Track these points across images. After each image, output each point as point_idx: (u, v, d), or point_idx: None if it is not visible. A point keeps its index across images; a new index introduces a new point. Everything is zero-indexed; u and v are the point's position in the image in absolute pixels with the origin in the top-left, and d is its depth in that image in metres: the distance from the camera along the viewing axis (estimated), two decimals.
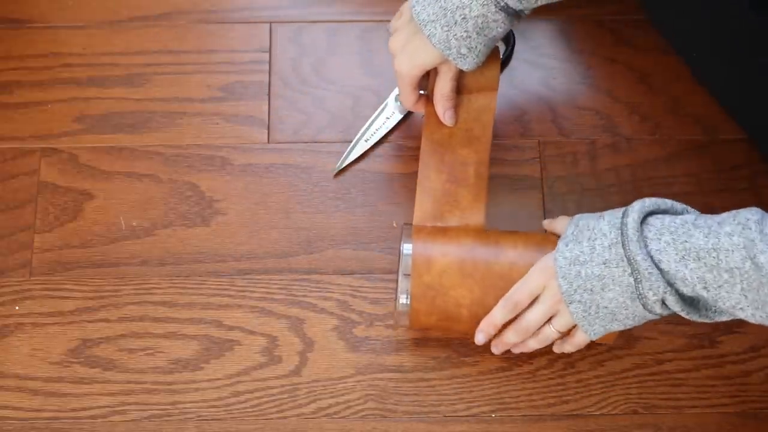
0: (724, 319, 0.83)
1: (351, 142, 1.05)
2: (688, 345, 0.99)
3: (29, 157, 1.05)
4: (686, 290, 0.82)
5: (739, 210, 0.79)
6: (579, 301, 0.86)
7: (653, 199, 0.85)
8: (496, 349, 0.95)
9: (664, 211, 0.85)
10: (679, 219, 0.82)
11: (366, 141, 1.05)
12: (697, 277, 0.80)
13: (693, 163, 1.05)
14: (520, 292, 0.90)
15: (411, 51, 0.94)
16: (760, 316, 0.80)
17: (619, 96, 1.08)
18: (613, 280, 0.84)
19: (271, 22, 1.11)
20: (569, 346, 0.92)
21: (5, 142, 1.05)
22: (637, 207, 0.84)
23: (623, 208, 0.85)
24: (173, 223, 1.03)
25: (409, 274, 0.91)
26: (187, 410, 0.96)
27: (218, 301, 1.00)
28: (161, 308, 1.00)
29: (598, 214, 0.87)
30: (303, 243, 1.02)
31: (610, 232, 0.84)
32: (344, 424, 0.96)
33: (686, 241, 0.80)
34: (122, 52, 1.09)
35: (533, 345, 0.93)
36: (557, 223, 0.93)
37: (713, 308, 0.83)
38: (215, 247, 1.02)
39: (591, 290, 0.85)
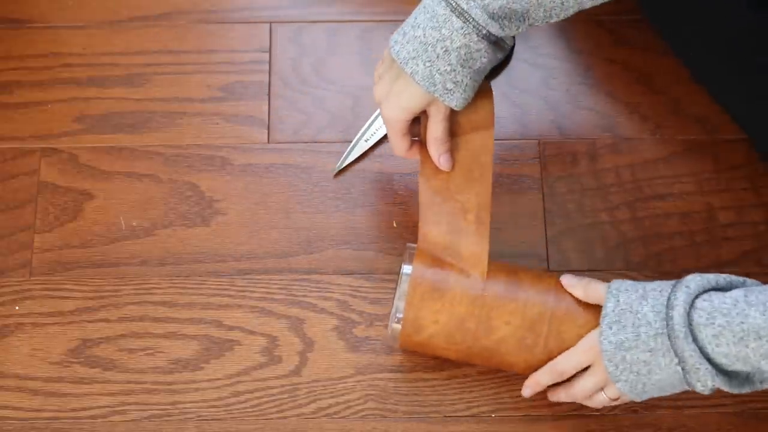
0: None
1: (351, 142, 1.05)
2: None
3: (29, 157, 1.05)
4: (746, 368, 0.81)
5: None
6: (625, 381, 0.86)
7: (697, 281, 0.83)
8: (529, 390, 0.94)
9: (710, 289, 0.83)
10: (729, 299, 0.81)
11: (366, 141, 1.05)
12: (761, 355, 0.79)
13: (693, 163, 1.05)
14: (567, 364, 0.90)
15: (396, 94, 0.91)
16: None
17: (619, 96, 1.08)
18: (660, 368, 0.84)
19: (271, 22, 1.11)
20: (618, 402, 0.92)
21: (5, 142, 1.05)
22: (682, 298, 0.82)
23: (668, 290, 0.84)
24: (173, 223, 1.03)
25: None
26: (187, 410, 0.96)
27: (218, 301, 1.00)
28: (161, 308, 1.00)
29: (641, 291, 0.85)
30: (303, 243, 1.02)
31: (655, 321, 0.83)
32: (344, 424, 0.96)
33: (743, 322, 0.79)
34: (122, 52, 1.09)
35: (589, 405, 0.93)
36: (593, 288, 0.90)
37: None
38: (215, 247, 1.02)
39: (637, 373, 0.85)
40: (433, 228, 0.93)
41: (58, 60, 1.09)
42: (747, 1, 0.95)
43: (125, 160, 1.05)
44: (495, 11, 0.86)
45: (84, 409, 0.96)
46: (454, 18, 0.86)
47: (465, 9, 0.86)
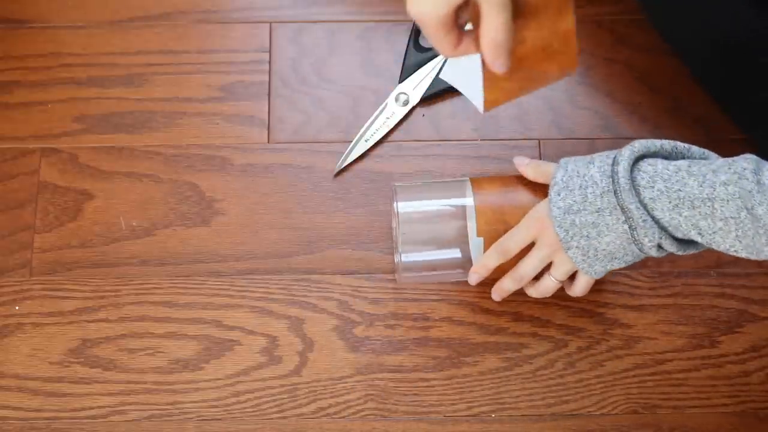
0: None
1: (351, 142, 1.05)
2: (688, 345, 0.99)
3: (29, 157, 1.05)
4: (679, 235, 0.83)
5: (734, 158, 0.80)
6: (577, 247, 0.87)
7: (642, 142, 0.84)
8: (496, 295, 0.95)
9: (654, 154, 0.85)
10: (672, 165, 0.82)
11: (366, 141, 1.05)
12: (692, 225, 0.81)
13: None
14: (511, 240, 0.90)
15: None
16: (755, 258, 0.81)
17: (619, 96, 1.08)
18: (607, 227, 0.84)
19: (271, 22, 1.11)
20: (575, 291, 0.93)
21: (5, 142, 1.05)
22: (627, 154, 0.83)
23: (614, 153, 0.85)
24: (173, 223, 1.03)
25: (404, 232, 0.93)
26: (187, 410, 0.96)
27: (218, 301, 1.00)
28: (161, 308, 1.00)
29: (588, 158, 0.87)
30: (303, 243, 1.02)
31: (602, 181, 0.84)
32: (344, 424, 0.96)
33: (680, 190, 0.80)
34: (122, 52, 1.09)
35: (535, 295, 0.94)
36: (543, 167, 0.91)
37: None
38: (215, 247, 1.02)
39: (587, 236, 0.86)
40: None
41: (58, 60, 1.09)
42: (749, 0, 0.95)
43: (125, 160, 1.05)
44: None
45: (84, 409, 0.96)
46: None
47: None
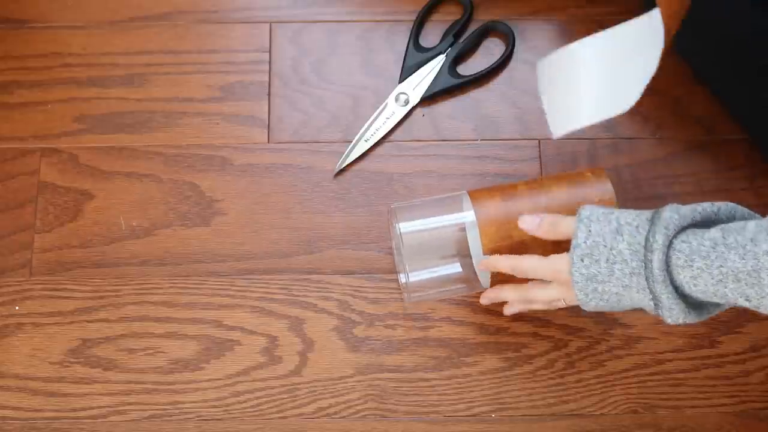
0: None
1: (351, 142, 1.05)
2: (688, 345, 0.99)
3: (29, 157, 1.05)
4: (723, 301, 0.80)
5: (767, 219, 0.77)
6: (594, 306, 0.86)
7: (675, 221, 0.80)
8: (486, 299, 0.96)
9: (684, 227, 0.81)
10: (707, 241, 0.79)
11: (366, 141, 1.05)
12: (739, 294, 0.78)
13: (693, 163, 1.05)
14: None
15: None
16: None
17: None
18: (631, 300, 0.83)
19: (271, 22, 1.11)
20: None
21: (5, 142, 1.05)
22: (661, 240, 0.79)
23: (645, 228, 0.81)
24: (173, 223, 1.03)
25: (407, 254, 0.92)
26: (187, 410, 0.96)
27: (218, 301, 1.00)
28: (161, 308, 1.00)
29: (614, 223, 0.82)
30: (303, 243, 1.02)
31: (632, 260, 0.81)
32: (344, 424, 0.96)
33: (722, 266, 0.77)
34: (122, 52, 1.09)
35: (539, 307, 0.94)
36: (560, 227, 0.87)
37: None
38: (215, 247, 1.02)
39: (608, 301, 0.84)
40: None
41: (58, 60, 1.09)
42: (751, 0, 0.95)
43: (125, 160, 1.05)
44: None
45: (84, 409, 0.96)
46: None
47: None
